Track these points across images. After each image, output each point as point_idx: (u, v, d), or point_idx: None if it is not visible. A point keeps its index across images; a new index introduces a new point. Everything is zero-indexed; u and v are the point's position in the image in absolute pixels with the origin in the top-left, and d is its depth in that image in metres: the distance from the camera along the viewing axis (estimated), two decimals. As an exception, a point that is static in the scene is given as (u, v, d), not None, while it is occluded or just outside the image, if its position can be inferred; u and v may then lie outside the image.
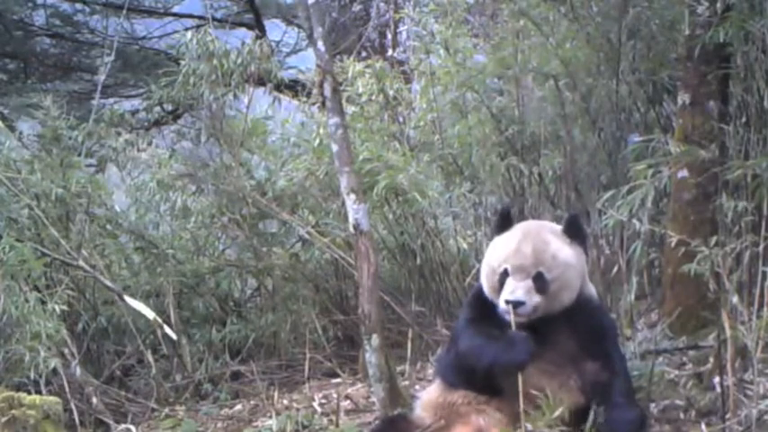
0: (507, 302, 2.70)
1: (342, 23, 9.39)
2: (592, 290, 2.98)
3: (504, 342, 2.69)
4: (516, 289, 2.72)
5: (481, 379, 2.78)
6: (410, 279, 5.08)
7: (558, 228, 2.90)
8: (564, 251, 2.78)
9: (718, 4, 3.56)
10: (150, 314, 4.39)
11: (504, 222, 2.95)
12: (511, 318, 2.70)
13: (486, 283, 2.88)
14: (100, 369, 4.93)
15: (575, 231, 2.86)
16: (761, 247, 3.21)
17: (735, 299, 3.14)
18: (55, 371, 4.03)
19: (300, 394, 4.24)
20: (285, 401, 4.12)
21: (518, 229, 2.90)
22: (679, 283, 3.64)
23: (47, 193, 4.84)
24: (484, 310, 2.85)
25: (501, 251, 2.84)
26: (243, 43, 5.18)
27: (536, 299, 2.72)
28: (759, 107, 3.60)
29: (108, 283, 4.73)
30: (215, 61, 4.96)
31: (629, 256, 3.60)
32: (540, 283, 2.73)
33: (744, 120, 3.64)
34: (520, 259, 2.76)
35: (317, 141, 4.89)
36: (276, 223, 5.29)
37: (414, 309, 4.78)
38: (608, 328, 2.94)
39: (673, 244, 3.42)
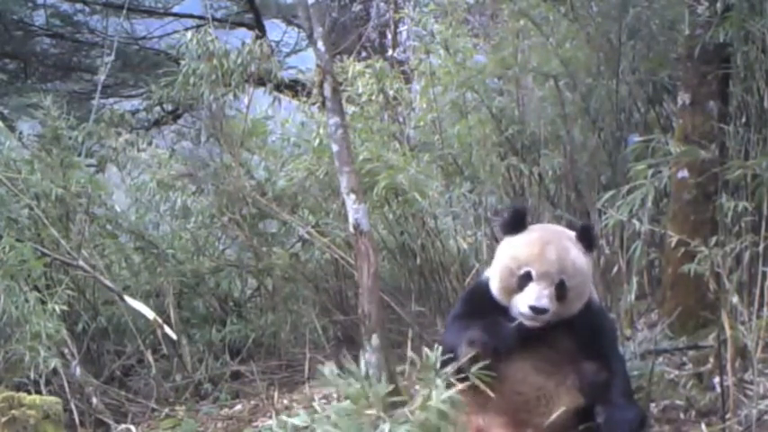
0: (532, 308, 2.66)
1: (342, 23, 9.38)
2: (593, 292, 2.96)
3: (486, 325, 2.62)
4: (542, 296, 2.66)
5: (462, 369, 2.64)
6: (410, 279, 5.07)
7: (572, 234, 2.84)
8: (581, 260, 2.75)
9: (718, 4, 3.55)
10: (150, 314, 4.40)
11: (518, 222, 2.85)
12: (528, 323, 2.67)
13: (499, 283, 2.78)
14: (100, 369, 4.93)
15: (588, 241, 2.82)
16: (761, 247, 3.20)
17: (735, 299, 3.13)
18: (55, 371, 4.04)
19: (300, 394, 4.24)
20: (285, 401, 4.13)
21: (536, 232, 2.83)
22: (679, 283, 3.64)
23: (47, 193, 4.84)
24: (478, 306, 2.82)
25: (522, 253, 2.75)
26: (243, 43, 5.19)
27: (555, 306, 2.70)
28: (759, 107, 3.59)
29: (108, 283, 4.74)
30: (215, 61, 4.96)
31: (629, 256, 3.59)
32: (560, 290, 2.69)
33: (744, 120, 3.63)
34: (546, 265, 2.70)
35: (317, 141, 4.88)
36: (276, 223, 5.30)
37: (414, 309, 4.78)
38: (607, 329, 2.92)
39: (673, 244, 3.41)
